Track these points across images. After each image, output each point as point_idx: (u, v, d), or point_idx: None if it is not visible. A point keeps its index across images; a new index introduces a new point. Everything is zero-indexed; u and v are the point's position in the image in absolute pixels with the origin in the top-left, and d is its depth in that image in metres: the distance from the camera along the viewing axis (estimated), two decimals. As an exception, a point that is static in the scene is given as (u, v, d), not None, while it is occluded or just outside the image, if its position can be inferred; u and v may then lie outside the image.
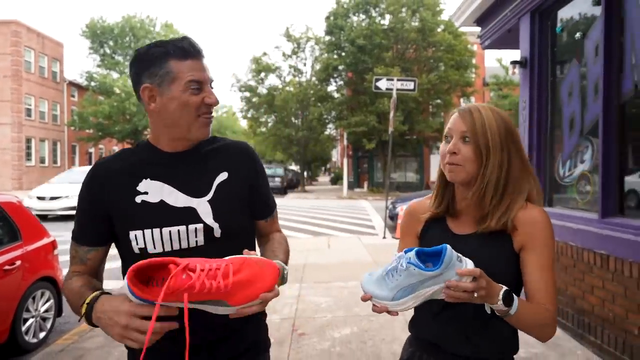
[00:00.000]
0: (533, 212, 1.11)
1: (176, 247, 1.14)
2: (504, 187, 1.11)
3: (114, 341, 4.29)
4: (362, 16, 25.02)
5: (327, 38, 25.40)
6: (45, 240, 4.29)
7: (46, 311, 4.13)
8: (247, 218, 1.25)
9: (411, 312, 1.23)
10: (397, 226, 9.18)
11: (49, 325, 4.16)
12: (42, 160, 29.70)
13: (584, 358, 3.18)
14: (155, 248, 1.13)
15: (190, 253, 1.12)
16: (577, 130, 3.67)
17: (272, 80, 28.88)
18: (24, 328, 3.81)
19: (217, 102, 1.16)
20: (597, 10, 3.29)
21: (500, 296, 0.99)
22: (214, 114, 1.22)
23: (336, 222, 12.33)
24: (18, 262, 3.78)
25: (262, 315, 1.31)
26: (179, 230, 1.14)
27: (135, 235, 1.14)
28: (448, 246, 0.95)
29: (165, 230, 1.13)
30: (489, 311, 1.05)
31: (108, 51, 33.28)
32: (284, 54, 27.46)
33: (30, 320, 3.91)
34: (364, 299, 1.04)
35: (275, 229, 1.35)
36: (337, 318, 4.16)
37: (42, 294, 4.11)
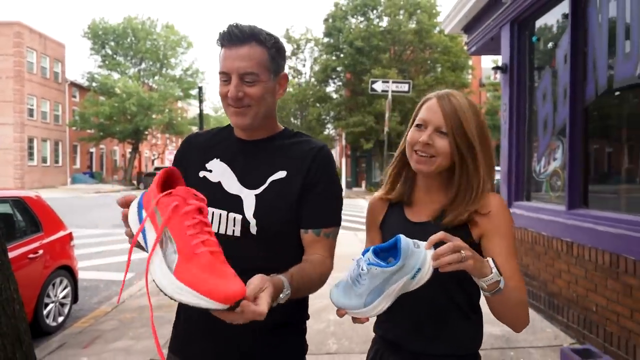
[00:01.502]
0: (491, 199, 1.09)
1: (214, 229, 1.11)
2: (476, 183, 1.10)
3: (128, 323, 4.64)
4: (360, 18, 25.40)
5: (326, 40, 25.78)
6: (62, 233, 4.64)
7: (64, 297, 4.49)
8: (292, 222, 1.15)
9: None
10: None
11: (66, 310, 4.51)
12: (44, 160, 30.02)
13: (553, 335, 3.54)
14: None
15: (227, 240, 1.08)
16: (550, 131, 4.04)
17: (271, 81, 29.06)
18: (45, 312, 4.17)
19: (235, 97, 1.10)
20: (567, 23, 3.65)
21: (491, 263, 0.95)
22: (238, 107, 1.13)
23: (334, 220, 12.63)
24: (40, 252, 4.14)
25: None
26: (220, 214, 1.14)
27: None
28: (402, 236, 0.93)
29: (210, 210, 1.11)
30: (483, 286, 0.97)
31: (109, 52, 33.62)
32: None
33: (50, 305, 4.27)
34: (340, 315, 0.99)
35: (319, 251, 1.15)
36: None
37: (61, 282, 4.46)
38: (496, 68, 4.73)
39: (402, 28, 23.34)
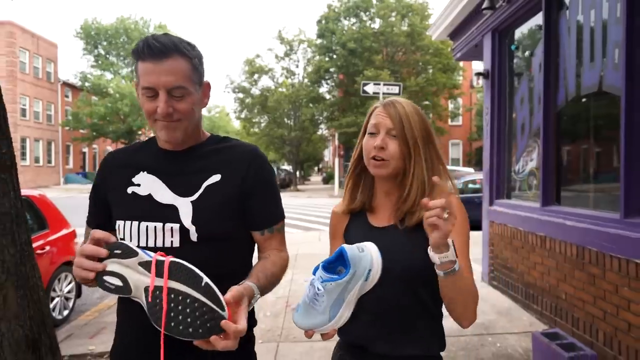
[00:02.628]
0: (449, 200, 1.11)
1: (151, 243, 1.09)
2: (426, 181, 1.13)
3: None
4: (353, 20, 25.69)
5: (319, 41, 26.03)
6: (66, 230, 4.86)
7: (69, 292, 4.71)
8: (234, 225, 1.14)
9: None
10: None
11: (71, 304, 4.73)
12: (37, 160, 29.96)
13: (528, 322, 3.83)
14: (131, 240, 1.10)
15: (167, 253, 1.04)
16: (527, 133, 4.33)
17: (265, 81, 29.37)
18: (51, 305, 4.38)
19: (165, 113, 1.06)
20: (541, 34, 3.94)
21: (451, 242, 0.98)
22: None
23: (327, 219, 12.95)
24: (47, 248, 4.36)
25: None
26: (155, 227, 1.09)
27: (119, 225, 1.13)
28: (345, 246, 0.97)
29: (143, 224, 1.10)
30: (437, 263, 1.00)
31: (102, 52, 33.61)
32: (276, 56, 28.04)
33: (56, 299, 4.48)
34: (309, 336, 1.01)
35: (274, 246, 1.20)
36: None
37: (66, 277, 4.68)
38: (478, 74, 5.02)
39: (394, 30, 23.66)
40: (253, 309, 1.16)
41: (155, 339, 0.97)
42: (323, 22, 25.40)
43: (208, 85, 1.17)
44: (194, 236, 1.09)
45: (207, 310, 0.90)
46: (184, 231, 1.09)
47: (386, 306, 1.11)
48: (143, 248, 1.03)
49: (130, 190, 1.14)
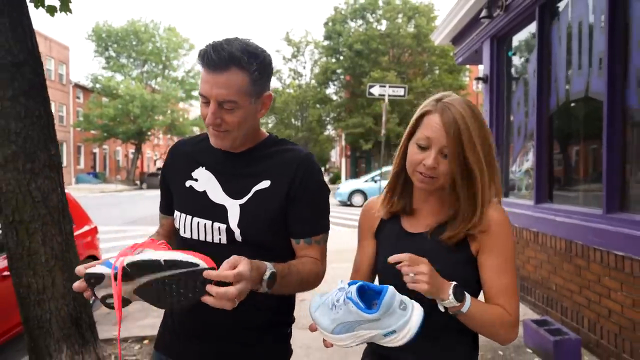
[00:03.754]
0: (491, 214, 1.05)
1: (202, 237, 1.15)
2: (479, 201, 1.05)
3: (149, 306, 5.15)
4: (360, 22, 25.95)
5: (326, 43, 26.33)
6: (88, 227, 5.19)
7: (92, 284, 5.03)
8: (276, 233, 1.16)
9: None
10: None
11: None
12: (49, 161, 30.57)
13: (522, 313, 4.08)
14: (185, 232, 1.18)
15: (214, 248, 1.12)
16: (523, 135, 4.58)
17: (272, 83, 29.66)
18: (77, 295, 4.71)
19: (213, 124, 1.09)
20: (535, 41, 4.19)
21: (451, 290, 0.95)
22: None
23: (334, 218, 13.23)
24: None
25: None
26: (205, 224, 1.15)
27: (176, 214, 1.21)
28: (391, 288, 0.89)
29: (195, 219, 1.16)
30: (442, 309, 0.99)
31: (113, 54, 34.16)
32: (284, 58, 28.49)
33: (81, 290, 4.80)
34: (312, 329, 0.99)
35: (310, 254, 1.18)
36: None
37: (89, 269, 5.00)
38: (478, 79, 5.27)
39: (400, 32, 23.89)
40: (292, 306, 1.25)
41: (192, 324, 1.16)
42: (330, 24, 25.70)
43: (269, 97, 1.17)
44: (239, 237, 1.13)
45: (183, 277, 0.90)
46: (230, 232, 1.13)
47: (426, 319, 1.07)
48: (195, 240, 1.15)
49: (188, 184, 1.19)
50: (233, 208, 1.14)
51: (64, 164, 32.10)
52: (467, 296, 0.98)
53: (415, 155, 1.07)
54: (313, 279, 1.16)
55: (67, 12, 2.90)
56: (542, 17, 4.05)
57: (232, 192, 1.15)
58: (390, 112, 21.81)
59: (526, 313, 4.07)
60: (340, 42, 25.15)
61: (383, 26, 25.41)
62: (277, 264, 1.06)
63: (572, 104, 3.79)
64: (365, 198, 16.73)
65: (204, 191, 1.17)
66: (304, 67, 29.54)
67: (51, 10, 2.84)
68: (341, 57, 25.48)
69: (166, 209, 1.29)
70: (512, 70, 4.99)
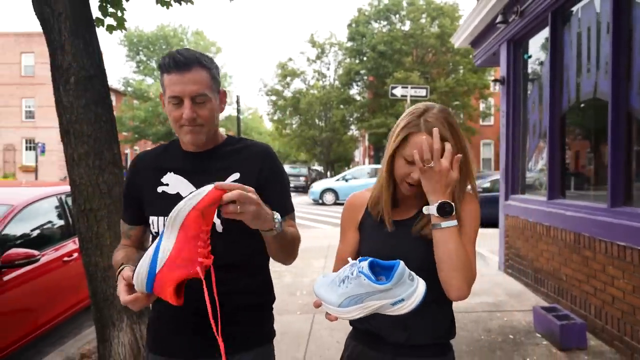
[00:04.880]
0: (471, 204, 1.18)
1: None
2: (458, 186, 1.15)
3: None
4: (383, 22, 26.10)
5: (350, 44, 26.59)
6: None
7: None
8: None
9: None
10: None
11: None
12: (84, 161, 31.94)
13: (535, 302, 4.31)
14: None
15: None
16: (538, 134, 4.79)
17: (297, 84, 30.04)
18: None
19: (190, 118, 1.17)
20: (548, 45, 4.40)
21: (439, 201, 1.07)
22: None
23: (316, 216, 13.52)
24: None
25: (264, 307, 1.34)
26: None
27: (152, 220, 1.25)
28: (401, 262, 0.96)
29: None
30: (425, 211, 1.11)
31: (143, 58, 35.39)
32: (308, 59, 28.85)
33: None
34: (316, 305, 1.03)
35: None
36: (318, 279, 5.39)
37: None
38: (495, 80, 5.48)
39: (424, 32, 23.92)
40: (271, 286, 1.35)
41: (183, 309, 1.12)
42: (353, 25, 25.95)
43: (224, 93, 1.31)
44: (219, 228, 1.20)
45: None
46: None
47: None
48: None
49: (160, 189, 1.26)
50: None
51: (98, 164, 33.48)
52: (454, 221, 1.08)
53: (404, 169, 1.15)
54: (297, 241, 1.27)
55: (123, 30, 3.34)
56: (554, 22, 4.26)
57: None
58: (413, 112, 21.85)
59: (539, 302, 4.29)
60: (363, 43, 25.36)
61: (406, 27, 25.49)
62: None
63: (582, 105, 4.00)
64: (337, 196, 16.98)
65: (177, 192, 1.24)
66: (328, 69, 29.77)
67: (110, 28, 3.29)
68: (365, 58, 25.69)
69: (133, 219, 1.33)
70: (528, 72, 5.19)
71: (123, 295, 1.04)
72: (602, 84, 3.52)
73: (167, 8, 3.20)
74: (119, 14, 3.27)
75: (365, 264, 0.97)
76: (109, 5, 3.16)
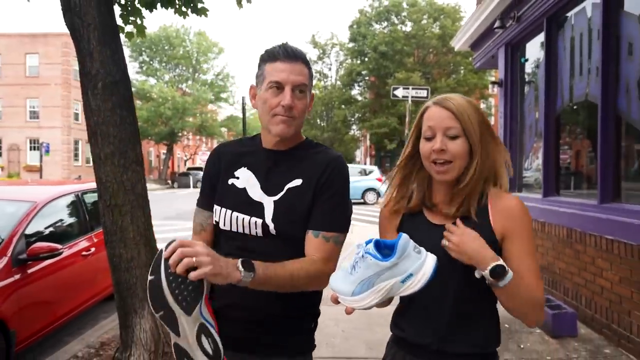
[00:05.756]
0: (510, 201, 1.11)
1: (240, 230, 1.25)
2: (487, 176, 1.12)
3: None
4: (384, 23, 26.32)
5: (351, 45, 26.82)
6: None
7: (146, 267, 5.72)
8: (305, 227, 1.23)
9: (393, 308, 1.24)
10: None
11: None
12: (88, 161, 32.18)
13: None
14: (224, 225, 1.27)
15: (252, 240, 1.23)
16: (534, 134, 5.00)
17: (298, 84, 30.42)
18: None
19: (292, 105, 1.19)
20: (544, 49, 4.61)
21: (490, 267, 1.00)
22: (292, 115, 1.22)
23: (359, 215, 13.73)
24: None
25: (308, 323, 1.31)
26: (243, 219, 1.23)
27: (216, 208, 1.29)
28: (404, 235, 0.94)
29: (235, 214, 1.25)
30: (478, 276, 1.03)
31: (146, 59, 35.64)
32: (310, 60, 29.07)
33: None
34: (332, 299, 0.99)
35: (313, 252, 1.20)
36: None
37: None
38: (493, 83, 5.70)
39: (426, 33, 24.13)
40: (316, 301, 1.31)
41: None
42: (355, 26, 26.18)
43: (313, 97, 1.34)
44: (273, 231, 1.22)
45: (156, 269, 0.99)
46: (265, 226, 1.22)
47: (446, 303, 1.10)
48: (234, 233, 1.25)
49: (230, 181, 1.29)
50: (269, 204, 1.23)
51: (101, 164, 33.78)
52: (510, 273, 1.00)
53: (425, 147, 1.12)
54: (304, 276, 1.15)
55: (142, 37, 3.55)
56: (549, 28, 4.47)
57: (269, 189, 1.24)
58: (414, 111, 22.11)
59: (534, 296, 4.50)
60: (365, 44, 25.58)
61: (408, 27, 25.70)
62: (261, 266, 1.08)
63: (575, 107, 4.21)
64: None
65: (244, 188, 1.27)
66: (330, 69, 30.20)
67: (129, 35, 3.51)
68: (366, 59, 25.91)
69: (209, 204, 1.33)
70: (525, 75, 5.40)
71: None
72: (592, 88, 3.73)
73: (184, 18, 3.41)
74: (139, 21, 3.48)
75: (371, 245, 0.96)
76: (130, 16, 3.38)
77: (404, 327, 1.17)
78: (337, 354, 3.37)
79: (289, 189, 1.23)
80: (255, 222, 1.22)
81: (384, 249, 0.97)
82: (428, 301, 1.09)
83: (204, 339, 1.02)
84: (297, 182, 1.24)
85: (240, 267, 1.03)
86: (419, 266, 0.93)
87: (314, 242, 1.21)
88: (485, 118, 1.14)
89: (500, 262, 1.01)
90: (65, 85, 29.71)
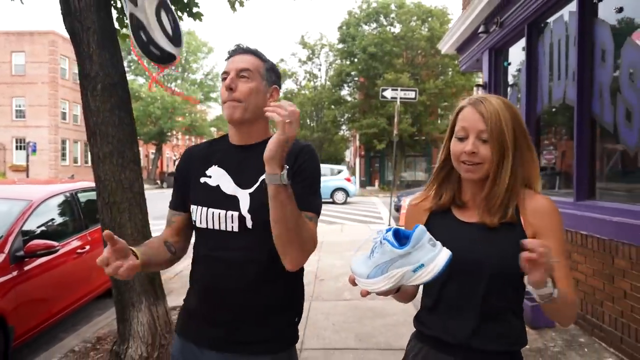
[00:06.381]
0: (541, 201, 1.12)
1: (216, 227, 1.26)
2: (516, 180, 1.12)
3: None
4: (373, 25, 26.57)
5: (341, 46, 27.01)
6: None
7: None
8: None
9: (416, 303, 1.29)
10: (401, 216, 10.68)
11: (140, 275, 5.83)
12: (75, 161, 31.94)
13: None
14: (201, 223, 1.29)
15: (227, 235, 1.25)
16: (516, 136, 5.20)
17: (288, 84, 30.50)
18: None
19: (229, 85, 1.26)
20: (525, 54, 4.81)
21: (550, 281, 0.97)
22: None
23: (349, 214, 13.93)
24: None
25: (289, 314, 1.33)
26: (219, 213, 1.26)
27: (193, 208, 1.32)
28: (421, 226, 0.96)
29: (210, 210, 1.27)
30: (537, 298, 1.01)
31: (134, 58, 35.36)
32: (299, 60, 29.31)
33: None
34: (350, 280, 1.05)
35: None
36: (348, 270, 5.75)
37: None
38: (478, 85, 5.90)
39: (414, 34, 24.42)
40: (299, 297, 1.35)
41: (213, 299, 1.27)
42: (344, 27, 26.37)
43: (277, 91, 1.37)
44: (249, 223, 1.24)
45: None
46: (241, 218, 1.25)
47: (475, 300, 1.10)
48: (210, 231, 1.27)
49: (202, 180, 1.33)
50: (244, 197, 1.26)
51: (89, 163, 33.36)
52: (554, 290, 0.98)
53: (456, 147, 1.14)
54: (307, 231, 1.19)
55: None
56: (530, 33, 4.67)
57: (242, 183, 1.28)
58: (404, 112, 22.37)
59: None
60: (354, 45, 25.79)
61: (396, 29, 25.97)
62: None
63: (554, 109, 4.41)
64: None
65: (217, 185, 1.31)
66: (319, 70, 30.34)
67: (124, 37, 3.61)
68: (355, 60, 26.11)
69: (178, 205, 1.38)
70: (508, 78, 5.61)
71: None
72: (569, 91, 3.93)
73: (181, 21, 3.53)
74: (135, 25, 3.58)
75: (390, 233, 0.99)
76: (125, 18, 3.48)
77: (432, 324, 1.19)
78: (328, 345, 3.52)
79: (263, 180, 1.23)
80: (232, 215, 1.25)
81: (402, 238, 0.99)
82: (457, 298, 1.10)
83: (163, 15, 0.95)
84: None
85: (282, 176, 1.09)
86: (431, 258, 0.95)
87: None
88: (522, 124, 1.14)
89: (555, 292, 0.99)
90: (52, 84, 29.40)
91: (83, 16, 2.82)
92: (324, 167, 18.62)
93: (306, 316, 4.16)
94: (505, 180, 1.10)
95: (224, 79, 1.29)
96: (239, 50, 1.32)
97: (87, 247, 4.45)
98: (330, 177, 17.67)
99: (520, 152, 1.12)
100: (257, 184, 1.26)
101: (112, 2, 2.99)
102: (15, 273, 3.47)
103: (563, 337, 3.47)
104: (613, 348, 3.15)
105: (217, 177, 1.31)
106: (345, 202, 18.07)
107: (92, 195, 5.20)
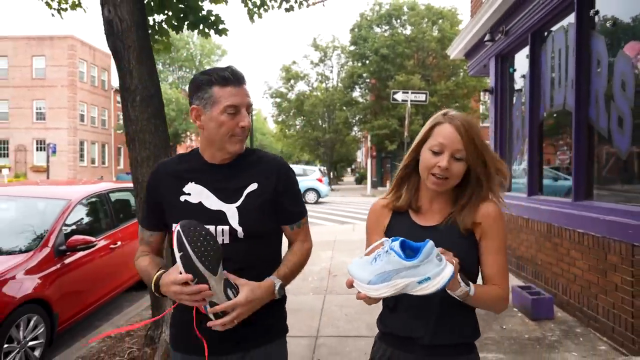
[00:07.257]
0: (491, 207, 1.23)
1: None
2: (484, 193, 1.24)
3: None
4: (385, 27, 26.76)
5: (352, 48, 27.25)
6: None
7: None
8: (272, 224, 1.38)
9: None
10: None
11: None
12: (93, 161, 32.72)
13: (515, 284, 4.96)
14: None
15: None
16: (520, 140, 5.44)
17: (301, 86, 30.79)
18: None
19: (249, 125, 1.31)
20: (528, 61, 5.05)
21: (460, 278, 1.10)
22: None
23: (360, 214, 14.20)
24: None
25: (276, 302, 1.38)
26: (209, 229, 1.25)
27: (174, 227, 1.26)
28: (431, 242, 1.00)
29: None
30: (456, 296, 1.11)
31: (161, 68, 36.17)
32: (312, 62, 29.56)
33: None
34: (348, 284, 1.08)
35: (299, 238, 1.45)
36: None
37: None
38: (485, 90, 6.15)
39: (425, 36, 24.56)
40: (284, 297, 1.44)
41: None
42: (356, 30, 26.61)
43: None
44: (241, 235, 1.31)
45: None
46: (232, 231, 1.31)
47: (433, 299, 1.16)
48: None
49: (182, 198, 1.34)
50: (231, 211, 1.31)
51: (106, 164, 34.31)
52: (470, 283, 1.13)
53: (430, 160, 1.21)
54: (305, 259, 1.45)
55: (167, 53, 4.00)
56: (533, 42, 4.92)
57: (226, 197, 1.33)
58: (415, 113, 22.54)
59: (519, 284, 4.95)
60: (366, 47, 26.02)
61: (408, 31, 26.13)
62: (280, 271, 1.35)
63: (555, 115, 4.65)
64: None
65: (199, 202, 1.33)
66: (331, 71, 30.49)
67: (156, 51, 3.95)
68: (367, 62, 26.32)
69: (154, 225, 1.42)
70: (514, 84, 5.85)
71: (186, 289, 1.18)
72: (569, 98, 4.17)
73: (206, 38, 3.86)
74: (165, 40, 3.94)
75: (397, 243, 1.02)
76: (157, 35, 3.83)
77: (393, 324, 1.27)
78: (342, 333, 3.82)
79: (248, 193, 1.34)
80: (222, 229, 1.30)
81: (408, 249, 1.03)
82: (417, 298, 1.12)
83: (228, 291, 1.22)
84: (254, 186, 1.35)
85: (277, 291, 1.30)
86: (438, 272, 0.99)
87: (294, 232, 1.44)
88: (482, 136, 1.24)
89: (471, 290, 1.12)
90: (71, 87, 30.20)
91: (124, 36, 3.17)
92: (297, 168, 18.99)
93: (321, 308, 4.48)
94: (482, 194, 1.24)
95: (232, 113, 1.28)
96: (242, 80, 1.33)
97: (119, 243, 4.82)
98: (302, 177, 17.87)
99: (486, 166, 1.23)
100: (243, 197, 1.33)
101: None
102: (58, 265, 3.85)
103: (561, 328, 3.72)
104: (606, 337, 3.40)
105: (196, 194, 1.34)
106: (316, 202, 18.37)
107: (122, 195, 5.60)
